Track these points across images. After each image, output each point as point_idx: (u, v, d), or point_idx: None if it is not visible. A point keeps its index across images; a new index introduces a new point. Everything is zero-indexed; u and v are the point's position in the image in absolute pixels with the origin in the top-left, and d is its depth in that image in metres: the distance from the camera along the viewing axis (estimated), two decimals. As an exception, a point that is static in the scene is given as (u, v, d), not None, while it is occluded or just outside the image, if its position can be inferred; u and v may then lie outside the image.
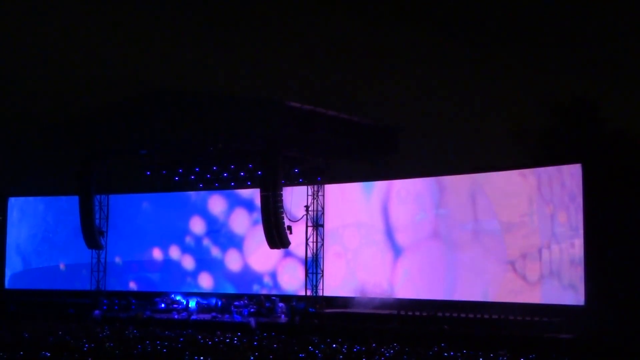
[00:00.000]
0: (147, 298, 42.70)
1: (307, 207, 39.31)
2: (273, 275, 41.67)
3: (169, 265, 44.68)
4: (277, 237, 36.25)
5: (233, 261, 42.90)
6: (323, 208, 39.59)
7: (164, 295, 42.70)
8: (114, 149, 41.89)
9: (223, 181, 43.01)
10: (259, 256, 41.33)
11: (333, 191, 40.18)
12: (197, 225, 44.13)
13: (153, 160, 43.77)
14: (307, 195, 39.52)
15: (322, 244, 39.49)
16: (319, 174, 39.73)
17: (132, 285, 45.30)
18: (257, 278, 42.10)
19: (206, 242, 43.80)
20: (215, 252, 43.51)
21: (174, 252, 44.55)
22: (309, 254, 39.44)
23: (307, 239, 39.40)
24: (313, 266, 39.32)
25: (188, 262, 44.18)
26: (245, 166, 41.42)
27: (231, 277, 42.92)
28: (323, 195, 39.67)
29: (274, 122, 35.35)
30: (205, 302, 41.29)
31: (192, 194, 44.42)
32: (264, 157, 36.88)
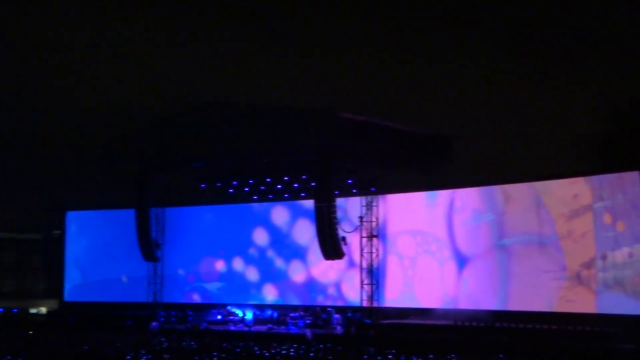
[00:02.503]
0: (204, 310, 42.88)
1: (361, 217, 39.12)
2: (337, 286, 41.42)
3: (230, 276, 44.66)
4: (331, 248, 36.17)
5: (297, 272, 42.71)
6: (377, 218, 39.33)
7: (221, 307, 42.85)
8: (169, 162, 42.25)
9: (277, 193, 43.05)
10: (323, 267, 41.04)
11: (387, 201, 39.94)
12: (261, 237, 44.01)
13: (207, 172, 44.05)
14: (361, 206, 39.32)
15: (377, 254, 39.20)
16: (373, 185, 39.50)
17: (196, 297, 45.44)
18: (322, 289, 41.86)
19: (270, 253, 43.67)
20: (279, 263, 43.39)
21: (237, 264, 44.51)
22: (365, 265, 39.19)
23: (361, 250, 39.19)
24: (369, 277, 39.06)
25: (252, 274, 44.08)
26: (299, 177, 41.41)
27: (295, 288, 42.72)
28: (377, 206, 39.40)
29: (328, 133, 35.30)
30: (261, 313, 41.36)
31: (255, 206, 44.30)
32: (318, 168, 36.85)
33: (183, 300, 45.40)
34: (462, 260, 37.34)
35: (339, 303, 40.63)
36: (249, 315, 41.46)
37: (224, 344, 31.51)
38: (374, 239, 39.17)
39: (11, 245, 61.59)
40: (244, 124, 37.83)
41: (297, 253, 42.54)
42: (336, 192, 36.92)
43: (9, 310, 53.11)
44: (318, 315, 39.17)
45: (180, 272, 45.79)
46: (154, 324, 40.62)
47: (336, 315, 38.85)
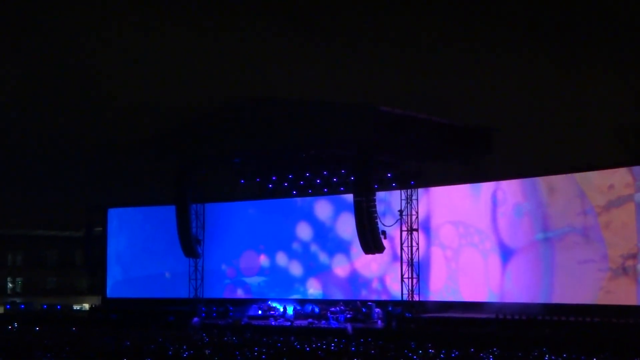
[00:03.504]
0: (245, 305, 43.04)
1: (400, 211, 38.98)
2: (381, 280, 41.28)
3: (273, 270, 44.79)
4: (371, 242, 36.08)
5: (340, 266, 42.68)
6: (417, 212, 39.14)
7: (261, 301, 42.97)
8: (208, 158, 42.41)
9: (316, 187, 42.99)
10: (367, 261, 40.82)
11: (428, 194, 39.78)
12: (304, 231, 44.03)
13: (247, 168, 44.14)
14: (401, 199, 39.17)
15: (418, 248, 39.00)
16: (412, 178, 39.30)
17: (237, 292, 45.59)
18: (366, 283, 41.78)
19: (314, 247, 43.66)
20: (322, 257, 43.37)
21: (280, 258, 44.62)
22: (405, 259, 39.05)
23: (401, 244, 39.05)
24: (409, 271, 38.91)
25: (295, 268, 44.15)
26: (338, 172, 41.32)
27: (338, 282, 42.72)
28: (417, 199, 39.21)
29: (366, 127, 35.21)
30: (302, 308, 41.40)
31: (298, 200, 44.27)
32: (357, 162, 36.77)
33: (224, 296, 45.61)
34: (504, 253, 37.08)
35: (383, 297, 40.53)
36: (290, 310, 41.51)
37: (264, 339, 31.55)
38: (415, 233, 38.97)
39: (54, 242, 62.51)
40: (282, 119, 37.86)
41: (341, 247, 42.47)
42: (375, 186, 36.79)
43: (53, 307, 53.75)
44: (358, 309, 39.10)
45: (222, 267, 46.00)
46: (195, 319, 40.80)
47: (377, 310, 38.74)
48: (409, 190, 39.21)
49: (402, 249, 39.05)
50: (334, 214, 42.96)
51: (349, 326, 36.08)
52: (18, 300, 58.26)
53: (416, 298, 38.58)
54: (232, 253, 45.90)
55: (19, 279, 62.38)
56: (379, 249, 36.45)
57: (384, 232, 36.66)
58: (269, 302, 42.68)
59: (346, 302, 40.20)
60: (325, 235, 43.26)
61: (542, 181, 36.29)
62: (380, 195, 37.94)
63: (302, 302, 42.39)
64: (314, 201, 43.77)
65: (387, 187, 39.82)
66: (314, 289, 43.23)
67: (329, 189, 42.77)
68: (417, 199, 39.18)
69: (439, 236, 39.48)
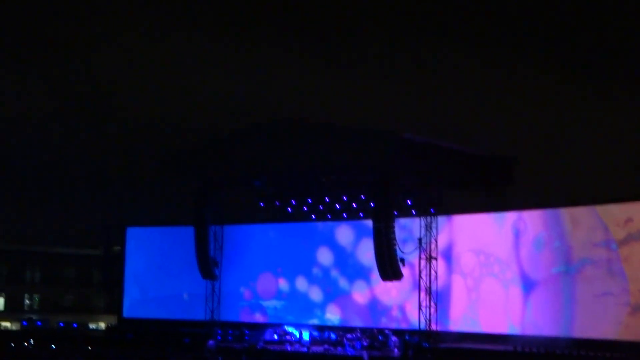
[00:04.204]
0: (261, 329, 42.84)
1: (420, 239, 38.71)
2: (401, 308, 40.91)
3: (292, 295, 44.50)
4: (389, 269, 35.90)
5: (360, 292, 42.32)
6: (437, 240, 38.86)
7: (277, 326, 42.76)
8: (228, 179, 42.42)
9: (335, 212, 42.81)
10: (387, 288, 40.55)
11: (449, 222, 39.55)
12: (325, 256, 43.72)
13: (266, 191, 44.08)
14: (420, 227, 38.92)
15: (436, 276, 38.69)
16: (432, 206, 39.05)
17: (254, 316, 45.38)
18: (386, 310, 41.40)
19: (334, 273, 43.35)
20: (342, 283, 43.03)
21: (299, 282, 44.34)
22: (423, 287, 38.73)
23: (420, 272, 38.75)
24: (427, 299, 38.58)
25: (315, 293, 43.82)
26: (358, 197, 41.16)
27: (358, 309, 42.36)
28: (437, 227, 38.95)
29: (387, 153, 35.14)
30: (318, 334, 41.16)
31: (319, 225, 43.93)
32: (377, 188, 36.66)
33: (240, 319, 45.44)
34: (525, 284, 36.74)
35: (403, 325, 40.10)
36: (306, 335, 41.29)
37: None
38: (434, 261, 38.64)
39: (72, 260, 62.60)
40: (303, 142, 37.84)
41: (361, 273, 42.13)
42: (395, 213, 36.61)
43: (69, 325, 53.76)
44: (375, 337, 38.82)
45: (239, 290, 45.84)
46: (211, 342, 40.68)
47: (394, 338, 38.46)
48: (428, 218, 38.96)
49: (420, 277, 38.75)
50: (355, 239, 42.70)
51: (365, 354, 35.85)
52: (35, 317, 58.34)
53: (434, 327, 38.19)
54: (250, 275, 45.74)
55: (36, 296, 62.48)
56: (397, 276, 36.23)
57: (402, 260, 36.43)
58: (285, 327, 42.48)
59: (363, 330, 39.93)
60: (345, 261, 42.99)
61: (563, 212, 36.01)
62: (401, 222, 37.74)
63: (319, 328, 42.13)
64: (335, 226, 43.56)
65: (407, 214, 39.60)
66: (332, 315, 42.95)
67: (348, 214, 42.59)
68: (436, 227, 38.91)
69: (460, 265, 39.17)
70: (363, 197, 40.74)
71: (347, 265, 42.93)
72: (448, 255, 39.40)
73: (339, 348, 38.64)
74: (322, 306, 43.41)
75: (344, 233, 43.25)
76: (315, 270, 43.90)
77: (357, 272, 42.40)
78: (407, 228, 39.71)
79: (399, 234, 37.20)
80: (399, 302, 40.92)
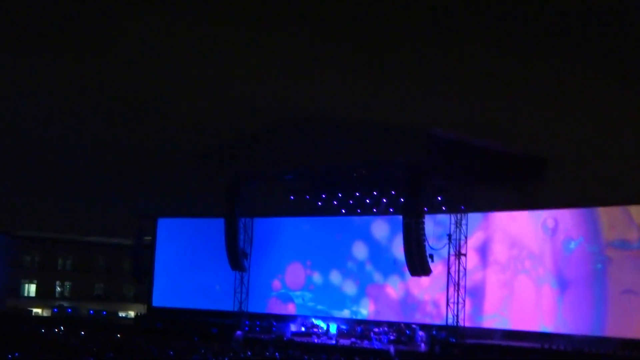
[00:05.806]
0: (288, 320, 43.06)
1: (449, 235, 38.74)
2: (434, 303, 40.86)
3: (326, 288, 44.67)
4: (418, 264, 35.95)
5: (393, 287, 42.46)
6: (466, 237, 38.87)
7: (305, 318, 42.95)
8: (260, 173, 42.65)
9: (365, 207, 42.87)
10: (420, 283, 40.66)
11: (482, 219, 39.51)
12: (360, 250, 43.93)
13: (297, 185, 44.25)
14: (450, 223, 38.95)
15: (465, 273, 38.67)
16: (462, 203, 39.06)
17: (282, 308, 45.58)
18: (419, 305, 41.52)
19: (368, 267, 43.52)
20: (376, 277, 43.18)
21: (335, 276, 44.51)
22: (452, 283, 38.74)
23: (449, 268, 38.77)
24: (455, 295, 38.58)
25: (349, 287, 44.01)
26: (389, 193, 41.23)
27: (391, 303, 42.48)
28: (466, 224, 38.94)
29: (418, 149, 35.15)
30: (345, 327, 41.28)
31: (355, 219, 44.03)
32: (407, 184, 36.72)
33: (268, 310, 45.70)
34: (557, 282, 36.69)
35: (436, 321, 39.94)
36: (333, 328, 41.43)
37: (305, 357, 31.56)
38: (463, 257, 38.65)
39: (103, 249, 63.27)
40: (336, 138, 37.94)
41: (395, 268, 42.07)
42: (425, 209, 36.67)
43: (99, 312, 54.36)
44: (402, 331, 38.91)
45: (268, 281, 46.11)
46: (238, 332, 40.97)
47: (420, 333, 38.52)
48: (458, 215, 38.99)
49: (449, 273, 38.78)
50: (390, 234, 42.71)
51: (391, 348, 35.95)
52: (65, 304, 59.06)
53: (462, 323, 38.17)
54: (279, 267, 45.99)
55: (67, 283, 63.21)
56: (426, 271, 36.29)
57: (431, 256, 36.48)
58: (312, 320, 42.64)
59: (390, 324, 39.99)
60: (380, 255, 43.06)
61: (596, 212, 35.90)
62: (432, 217, 37.79)
63: (347, 321, 42.27)
64: (370, 220, 43.62)
65: (437, 211, 39.61)
66: (364, 308, 43.07)
67: (378, 209, 42.65)
68: (466, 224, 38.91)
69: (490, 261, 39.15)
70: (393, 193, 40.81)
71: (381, 259, 42.98)
72: (480, 251, 39.39)
73: (366, 342, 38.77)
74: (356, 299, 43.54)
75: (379, 228, 43.34)
76: (350, 264, 44.02)
77: (391, 267, 42.41)
78: (443, 224, 39.59)
79: (434, 229, 37.37)
80: (431, 297, 40.92)
